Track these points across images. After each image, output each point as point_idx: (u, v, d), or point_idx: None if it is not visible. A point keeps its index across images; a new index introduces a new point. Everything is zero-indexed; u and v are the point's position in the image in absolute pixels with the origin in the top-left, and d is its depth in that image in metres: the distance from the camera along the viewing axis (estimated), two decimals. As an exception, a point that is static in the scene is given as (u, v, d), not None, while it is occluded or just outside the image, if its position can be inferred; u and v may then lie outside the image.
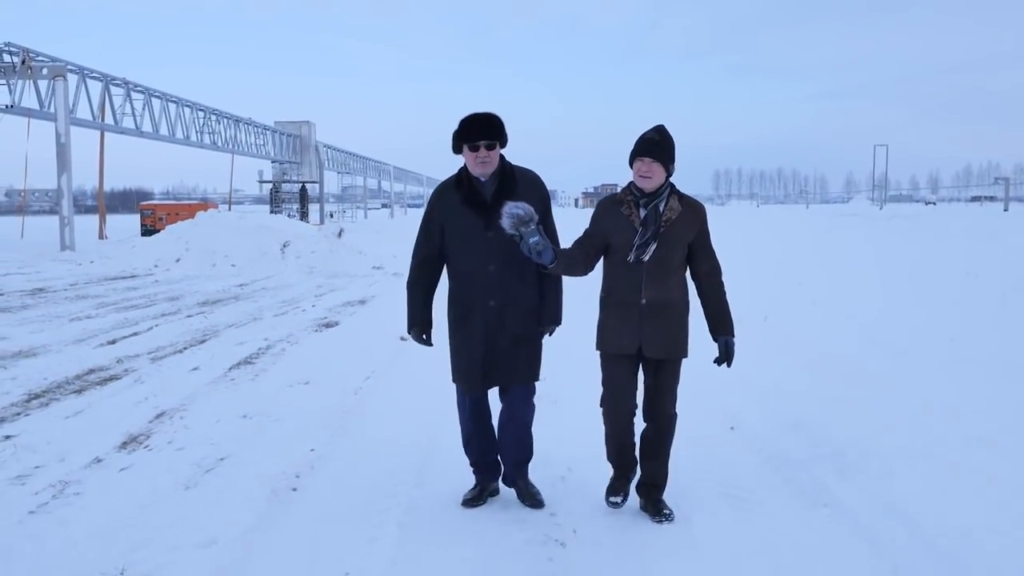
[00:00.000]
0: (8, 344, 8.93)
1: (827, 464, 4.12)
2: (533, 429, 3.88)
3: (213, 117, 37.65)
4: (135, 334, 9.57)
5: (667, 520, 3.57)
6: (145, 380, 6.76)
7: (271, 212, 39.33)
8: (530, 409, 3.84)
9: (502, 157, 3.66)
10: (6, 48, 25.56)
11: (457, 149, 3.63)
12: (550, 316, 3.78)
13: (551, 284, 3.76)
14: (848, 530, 3.45)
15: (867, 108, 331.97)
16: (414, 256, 3.79)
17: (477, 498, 3.80)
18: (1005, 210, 68.12)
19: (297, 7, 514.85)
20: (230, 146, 39.91)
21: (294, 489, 3.85)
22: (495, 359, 3.64)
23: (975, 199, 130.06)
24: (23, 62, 25.62)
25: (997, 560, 3.07)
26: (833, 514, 3.62)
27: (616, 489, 3.68)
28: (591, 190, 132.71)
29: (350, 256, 20.73)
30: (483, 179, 3.60)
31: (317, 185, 50.90)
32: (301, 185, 48.23)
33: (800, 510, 3.70)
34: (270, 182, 48.42)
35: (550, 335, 3.84)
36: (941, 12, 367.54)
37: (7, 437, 5.04)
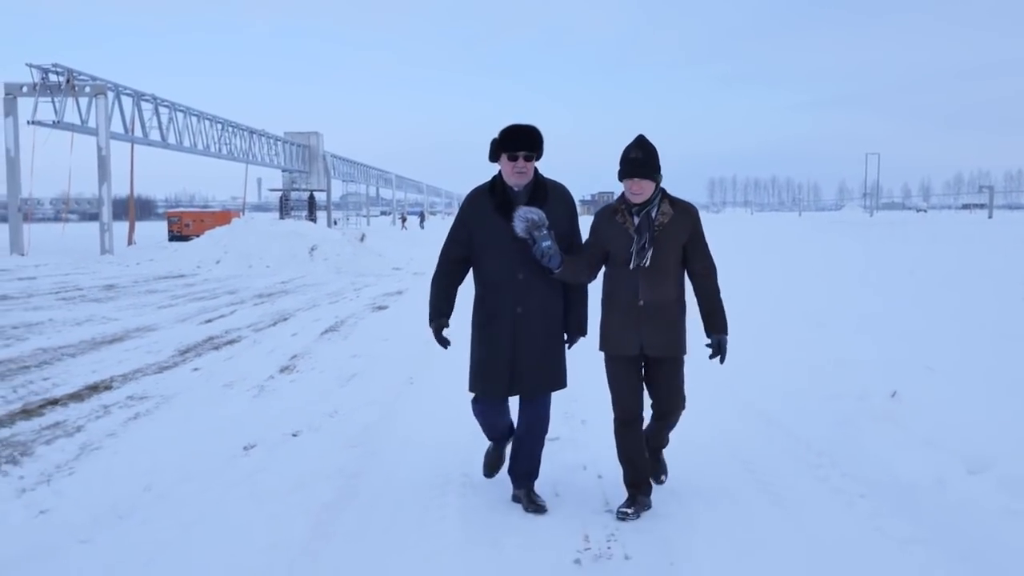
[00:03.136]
0: (123, 324, 11.22)
1: (741, 372, 6.50)
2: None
3: (230, 129, 40.02)
4: (222, 316, 11.88)
5: (656, 483, 3.84)
6: (261, 342, 9.13)
7: (280, 218, 41.71)
8: (546, 418, 3.90)
9: (536, 169, 3.75)
10: (53, 69, 27.95)
11: (494, 157, 3.70)
12: (576, 326, 3.87)
13: (577, 294, 3.85)
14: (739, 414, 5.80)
15: (861, 117, 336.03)
16: (442, 256, 3.86)
17: (497, 463, 4.06)
18: (989, 217, 70.59)
19: (297, 17, 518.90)
20: (246, 156, 42.27)
21: (411, 383, 6.26)
22: (521, 368, 3.70)
23: (966, 206, 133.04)
24: (68, 81, 28.03)
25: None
26: (737, 398, 5.97)
27: (630, 502, 3.75)
28: (588, 198, 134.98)
29: (371, 258, 23.08)
30: (517, 188, 3.68)
31: (324, 193, 53.31)
32: (310, 193, 50.71)
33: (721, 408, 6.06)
34: (280, 190, 50.87)
35: (572, 344, 3.93)
36: (935, 21, 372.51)
37: (195, 369, 7.43)
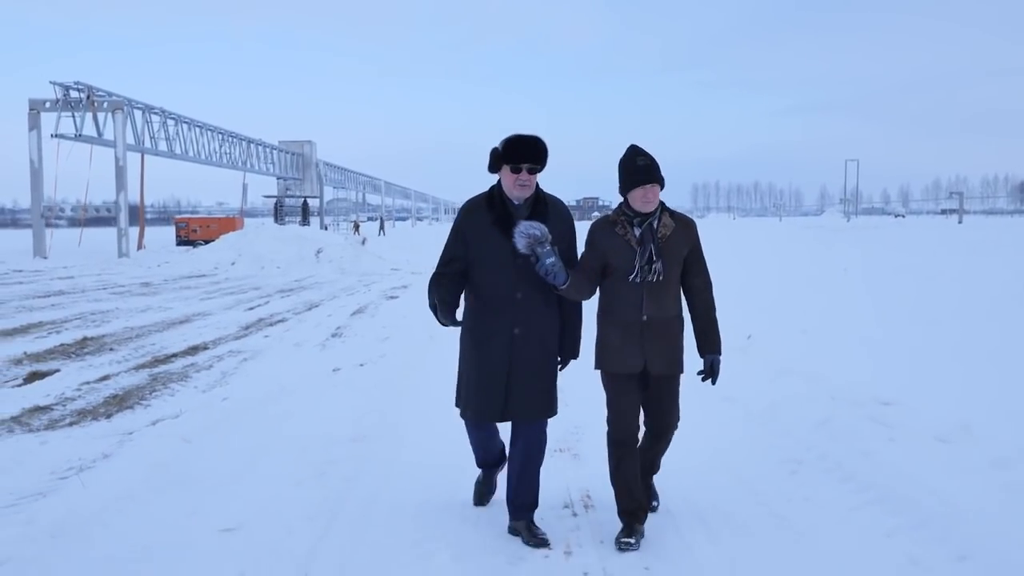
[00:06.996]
0: (181, 311, 13.54)
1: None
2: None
3: (229, 139, 42.28)
4: (260, 305, 14.26)
5: (650, 511, 3.78)
6: (305, 320, 11.59)
7: (275, 223, 43.94)
8: (543, 445, 3.76)
9: (537, 183, 3.62)
10: (74, 86, 30.27)
11: (494, 168, 3.59)
12: (569, 350, 3.78)
13: (572, 316, 3.75)
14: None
15: (843, 123, 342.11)
16: (439, 266, 3.71)
17: (487, 494, 4.08)
18: (959, 222, 73.45)
19: (284, 28, 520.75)
20: (244, 165, 44.54)
21: (431, 339, 8.74)
22: (515, 392, 3.58)
23: (943, 212, 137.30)
24: (87, 97, 30.34)
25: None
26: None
27: (628, 532, 3.59)
28: (573, 203, 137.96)
29: (372, 260, 25.51)
30: (517, 202, 3.57)
31: (316, 199, 55.71)
32: (303, 200, 53.07)
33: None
34: (274, 196, 53.21)
35: (563, 367, 3.81)
36: (919, 28, 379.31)
37: (266, 336, 9.89)
